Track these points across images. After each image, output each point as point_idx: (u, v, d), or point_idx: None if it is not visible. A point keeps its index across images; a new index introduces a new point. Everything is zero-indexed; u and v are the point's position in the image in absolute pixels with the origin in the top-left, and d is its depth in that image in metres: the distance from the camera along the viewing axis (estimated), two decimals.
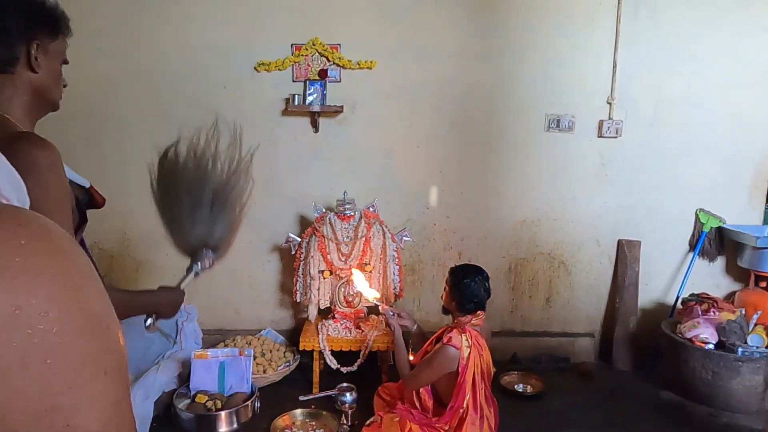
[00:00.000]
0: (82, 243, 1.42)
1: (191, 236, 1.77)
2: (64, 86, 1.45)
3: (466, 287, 2.50)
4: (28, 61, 1.28)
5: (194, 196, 1.73)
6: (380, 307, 2.85)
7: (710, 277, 3.80)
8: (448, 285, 2.58)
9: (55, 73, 1.37)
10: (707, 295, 3.45)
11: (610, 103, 3.59)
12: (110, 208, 3.54)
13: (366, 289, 2.98)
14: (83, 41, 3.41)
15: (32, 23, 1.29)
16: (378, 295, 2.98)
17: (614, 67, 3.56)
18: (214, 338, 3.61)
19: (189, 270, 1.80)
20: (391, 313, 2.79)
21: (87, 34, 3.40)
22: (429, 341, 2.67)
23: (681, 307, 3.53)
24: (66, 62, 1.42)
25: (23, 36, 1.26)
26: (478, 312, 2.55)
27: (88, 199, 1.54)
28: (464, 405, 2.43)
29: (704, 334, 3.17)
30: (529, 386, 3.42)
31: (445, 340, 2.46)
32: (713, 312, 3.28)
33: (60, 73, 1.41)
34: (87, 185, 1.56)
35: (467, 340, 2.46)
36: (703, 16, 3.53)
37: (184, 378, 3.04)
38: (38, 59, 1.30)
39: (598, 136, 3.63)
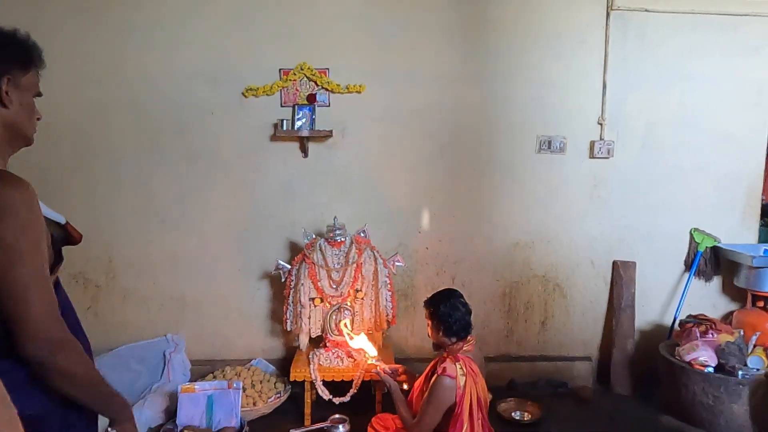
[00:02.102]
0: (57, 284, 1.35)
1: None
2: (38, 119, 1.39)
3: (445, 314, 2.43)
4: None
5: None
6: (378, 368, 2.76)
7: (707, 298, 3.75)
8: (429, 319, 2.51)
9: (28, 107, 1.32)
10: (705, 316, 3.40)
11: (601, 124, 3.57)
12: (96, 236, 3.53)
13: (368, 346, 2.98)
14: (73, 68, 3.38)
15: (3, 57, 1.24)
16: (375, 354, 2.97)
17: (604, 87, 3.55)
18: (203, 369, 3.52)
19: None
20: (388, 371, 2.72)
21: (76, 61, 3.38)
22: (423, 375, 2.59)
23: (679, 328, 3.47)
24: (39, 95, 1.37)
25: None
26: (468, 337, 2.48)
27: (63, 236, 1.46)
28: None
29: (703, 356, 3.11)
30: (526, 413, 3.34)
31: (439, 371, 2.38)
32: (711, 334, 3.22)
33: (33, 106, 1.35)
34: (63, 221, 1.49)
35: (461, 368, 2.39)
36: (692, 37, 3.54)
37: (172, 412, 2.95)
38: (9, 93, 1.25)
39: (590, 157, 3.61)
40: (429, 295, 2.58)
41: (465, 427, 2.36)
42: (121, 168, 3.48)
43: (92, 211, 3.46)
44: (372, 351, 2.99)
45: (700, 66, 3.56)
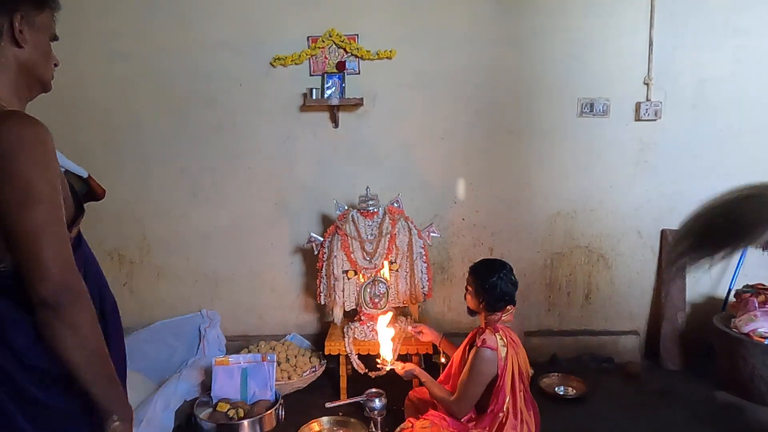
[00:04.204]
0: (79, 237, 1.29)
1: None
2: (55, 65, 1.33)
3: (494, 287, 2.31)
4: (12, 34, 1.17)
5: None
6: (395, 370, 2.65)
7: (764, 267, 3.49)
8: (472, 287, 2.39)
9: (44, 48, 1.27)
10: (763, 285, 3.19)
11: (647, 84, 3.36)
12: (129, 212, 3.52)
13: (386, 348, 2.77)
14: (99, 43, 3.36)
15: None
16: (392, 358, 2.75)
17: (650, 45, 3.33)
18: (237, 344, 3.49)
19: None
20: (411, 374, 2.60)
21: (102, 37, 3.36)
22: (461, 348, 2.48)
23: (735, 299, 3.26)
24: (55, 38, 1.31)
25: (4, 6, 1.16)
26: (508, 307, 2.36)
27: (86, 190, 1.41)
28: (504, 409, 2.24)
29: (763, 328, 2.91)
30: (570, 389, 3.21)
31: (478, 343, 2.27)
32: None
33: (49, 49, 1.29)
34: (85, 175, 1.44)
35: (502, 339, 2.28)
36: None
37: (207, 386, 2.93)
38: (23, 32, 1.19)
39: (636, 120, 3.41)
40: (476, 262, 2.46)
41: (507, 400, 2.26)
42: (151, 142, 3.45)
43: (124, 187, 3.45)
44: (387, 355, 2.75)
45: (756, 18, 3.29)
